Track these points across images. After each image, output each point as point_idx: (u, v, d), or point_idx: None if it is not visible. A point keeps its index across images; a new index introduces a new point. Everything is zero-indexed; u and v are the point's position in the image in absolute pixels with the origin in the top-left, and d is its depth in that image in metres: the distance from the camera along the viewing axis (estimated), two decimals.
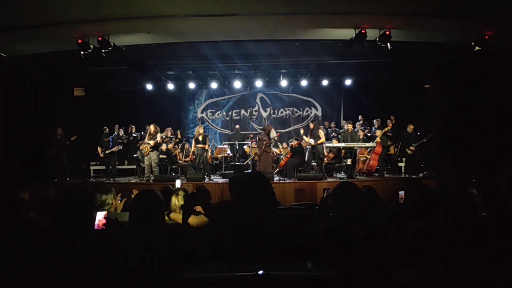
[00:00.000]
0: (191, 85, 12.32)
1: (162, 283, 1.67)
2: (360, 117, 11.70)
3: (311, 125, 9.74)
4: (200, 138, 9.94)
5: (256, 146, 10.31)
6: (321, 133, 9.41)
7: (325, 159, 10.23)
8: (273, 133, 9.70)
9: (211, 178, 9.72)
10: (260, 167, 9.44)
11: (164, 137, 9.94)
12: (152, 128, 9.75)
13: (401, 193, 3.84)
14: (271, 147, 9.70)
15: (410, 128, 10.10)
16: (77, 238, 1.93)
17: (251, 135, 12.59)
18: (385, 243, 1.95)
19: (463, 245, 1.79)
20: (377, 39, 7.55)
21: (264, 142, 9.46)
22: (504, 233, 1.77)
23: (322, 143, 9.38)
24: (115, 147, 10.15)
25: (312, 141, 9.31)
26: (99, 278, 1.69)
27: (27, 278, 1.67)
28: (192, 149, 10.34)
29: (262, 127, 12.73)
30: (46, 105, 9.78)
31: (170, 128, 11.58)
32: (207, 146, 10.18)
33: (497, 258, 1.55)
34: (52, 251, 1.79)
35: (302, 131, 10.33)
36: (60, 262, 1.74)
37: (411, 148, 9.87)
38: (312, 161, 9.83)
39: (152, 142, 9.47)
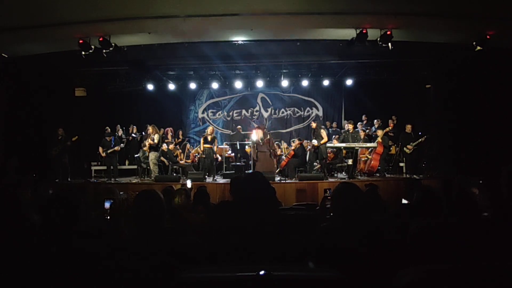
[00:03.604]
0: (192, 85, 12.33)
1: (163, 284, 1.67)
2: (363, 116, 11.69)
3: (313, 125, 9.70)
4: (209, 138, 9.95)
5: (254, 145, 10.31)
6: (323, 133, 9.40)
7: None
8: (258, 135, 9.57)
9: (215, 178, 9.70)
10: (258, 168, 9.43)
11: (160, 139, 9.97)
12: (150, 129, 9.84)
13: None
14: (271, 145, 9.63)
15: (408, 128, 10.07)
16: (72, 236, 1.94)
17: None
18: (386, 244, 1.95)
19: (465, 245, 1.78)
20: (378, 39, 7.54)
21: (260, 144, 9.47)
22: (506, 233, 1.76)
23: (325, 143, 9.38)
24: (117, 146, 10.16)
25: (315, 142, 9.30)
26: (100, 279, 1.69)
27: (28, 278, 1.67)
28: (201, 149, 10.33)
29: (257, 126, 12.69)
30: (47, 106, 9.80)
31: (170, 128, 11.59)
32: (215, 147, 10.20)
33: (499, 258, 1.55)
34: (52, 250, 1.79)
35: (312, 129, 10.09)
36: (60, 262, 1.74)
37: (409, 146, 9.85)
38: (316, 161, 9.82)
39: (147, 143, 9.57)
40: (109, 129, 11.05)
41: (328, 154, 10.20)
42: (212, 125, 13.92)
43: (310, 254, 1.94)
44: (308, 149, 9.89)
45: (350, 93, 13.02)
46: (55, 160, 9.63)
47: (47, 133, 9.74)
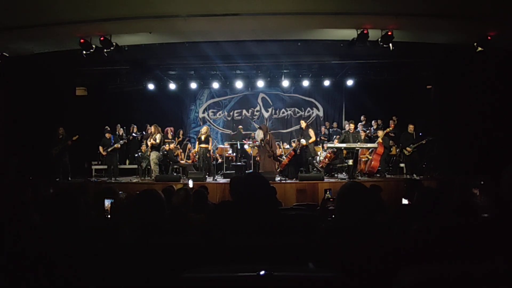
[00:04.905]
0: (193, 85, 12.33)
1: (164, 283, 1.67)
2: (362, 117, 11.70)
3: (303, 124, 9.76)
4: (203, 138, 9.96)
5: (255, 146, 10.34)
6: (311, 133, 9.54)
7: (326, 159, 10.23)
8: (259, 136, 9.67)
9: (215, 178, 9.70)
10: (259, 168, 9.52)
11: (162, 139, 10.00)
12: (152, 128, 9.86)
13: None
14: (270, 146, 9.66)
15: (411, 128, 10.04)
16: (71, 235, 1.94)
17: (253, 134, 12.58)
18: (387, 244, 1.94)
19: (465, 246, 1.78)
20: (379, 40, 7.55)
21: (262, 145, 9.52)
22: (507, 234, 1.76)
23: (312, 142, 9.57)
24: (117, 143, 10.16)
25: (303, 141, 9.38)
26: (101, 279, 1.69)
27: (28, 277, 1.67)
28: (196, 149, 10.38)
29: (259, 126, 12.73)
30: (47, 105, 9.80)
31: (171, 128, 11.59)
32: (210, 146, 10.21)
33: (500, 259, 1.55)
34: (53, 249, 1.79)
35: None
36: (60, 261, 1.74)
37: (408, 149, 9.84)
38: (314, 162, 9.86)
39: (149, 143, 9.62)
40: (109, 128, 11.07)
41: (328, 154, 10.21)
42: (213, 125, 13.94)
43: (310, 254, 1.94)
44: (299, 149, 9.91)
45: (350, 93, 13.02)
46: (55, 160, 9.63)
47: (48, 133, 9.74)
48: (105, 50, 7.77)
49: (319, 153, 10.73)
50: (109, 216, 3.04)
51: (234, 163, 10.84)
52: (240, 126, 12.74)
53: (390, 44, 7.56)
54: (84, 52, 7.73)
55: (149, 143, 9.86)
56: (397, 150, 10.45)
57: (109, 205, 3.01)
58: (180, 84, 12.50)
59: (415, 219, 2.37)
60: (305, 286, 1.28)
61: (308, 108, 13.99)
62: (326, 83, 12.26)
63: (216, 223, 2.40)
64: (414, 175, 9.59)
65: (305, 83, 12.22)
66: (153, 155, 9.70)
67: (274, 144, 9.87)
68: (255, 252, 1.90)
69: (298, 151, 9.52)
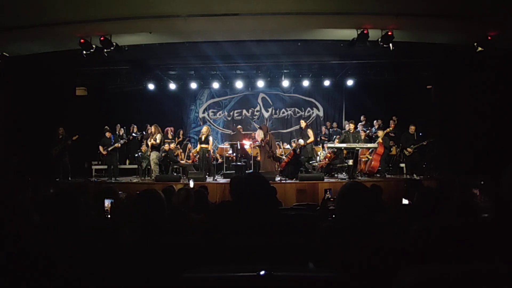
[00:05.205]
0: (193, 85, 12.33)
1: (164, 283, 1.67)
2: (362, 117, 11.69)
3: (303, 124, 9.78)
4: (203, 138, 9.97)
5: (256, 146, 10.35)
6: (310, 133, 9.56)
7: (326, 159, 10.23)
8: (259, 136, 9.71)
9: (215, 178, 9.70)
10: (260, 168, 9.52)
11: (163, 139, 10.02)
12: (152, 128, 9.87)
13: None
14: (269, 146, 9.68)
15: (412, 129, 10.04)
16: (71, 235, 1.94)
17: (253, 134, 12.58)
18: (387, 244, 1.94)
19: (465, 246, 1.78)
20: (379, 40, 7.55)
21: (262, 145, 9.55)
22: (507, 235, 1.76)
23: (311, 143, 9.59)
24: (117, 143, 10.16)
25: (301, 141, 9.41)
26: (101, 279, 1.69)
27: (28, 277, 1.67)
28: (197, 149, 10.39)
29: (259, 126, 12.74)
30: (47, 105, 9.81)
31: (171, 128, 11.59)
32: (209, 146, 10.21)
33: (500, 260, 1.54)
34: (53, 249, 1.79)
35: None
36: (60, 261, 1.74)
37: (409, 149, 9.83)
38: (312, 162, 9.88)
39: (150, 143, 9.63)
40: (108, 127, 11.07)
41: (329, 154, 10.22)
42: (213, 125, 13.94)
43: (310, 254, 1.94)
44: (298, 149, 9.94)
45: (350, 93, 13.03)
46: (55, 160, 9.64)
47: (48, 133, 9.74)
48: (105, 50, 7.77)
49: (319, 153, 10.73)
50: (109, 216, 3.04)
51: (234, 163, 10.84)
52: (239, 126, 12.73)
53: (390, 44, 7.56)
54: (84, 52, 7.73)
55: (149, 143, 9.88)
56: (397, 150, 10.45)
57: (109, 205, 3.01)
58: (180, 84, 12.50)
59: (415, 219, 2.37)
60: (305, 286, 1.28)
61: (308, 108, 13.99)
62: (326, 83, 12.26)
63: (216, 223, 2.40)
64: (414, 175, 9.59)
65: (305, 83, 12.22)
66: (153, 155, 9.71)
67: (274, 144, 9.87)
68: (255, 252, 1.90)
69: (298, 151, 9.53)
